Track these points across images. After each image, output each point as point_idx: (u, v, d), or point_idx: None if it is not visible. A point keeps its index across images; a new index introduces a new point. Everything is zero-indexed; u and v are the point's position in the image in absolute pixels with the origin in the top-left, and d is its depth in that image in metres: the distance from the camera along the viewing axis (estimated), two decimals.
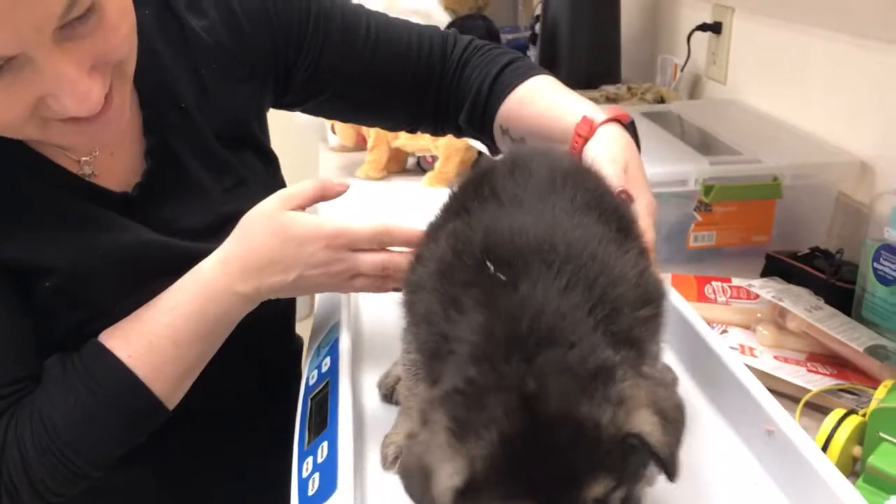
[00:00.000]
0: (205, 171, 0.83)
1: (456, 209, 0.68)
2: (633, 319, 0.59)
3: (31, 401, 0.72)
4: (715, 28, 1.60)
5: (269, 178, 0.92)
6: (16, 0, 0.57)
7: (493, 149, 1.00)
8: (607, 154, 0.77)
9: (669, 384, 0.60)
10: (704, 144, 1.27)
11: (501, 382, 0.52)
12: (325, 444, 0.68)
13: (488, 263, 0.58)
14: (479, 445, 0.50)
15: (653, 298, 0.64)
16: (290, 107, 0.99)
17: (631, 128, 0.83)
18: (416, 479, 0.52)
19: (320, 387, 0.78)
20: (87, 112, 0.66)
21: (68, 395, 0.72)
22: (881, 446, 0.74)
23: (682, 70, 1.73)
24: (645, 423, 0.52)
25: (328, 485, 0.64)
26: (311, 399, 0.78)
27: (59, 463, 0.71)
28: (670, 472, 0.54)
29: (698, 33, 1.64)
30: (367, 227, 0.76)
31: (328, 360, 0.81)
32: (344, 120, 1.19)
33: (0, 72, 0.60)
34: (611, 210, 0.67)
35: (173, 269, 0.76)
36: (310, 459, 0.69)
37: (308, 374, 0.83)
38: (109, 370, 0.72)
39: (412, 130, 1.06)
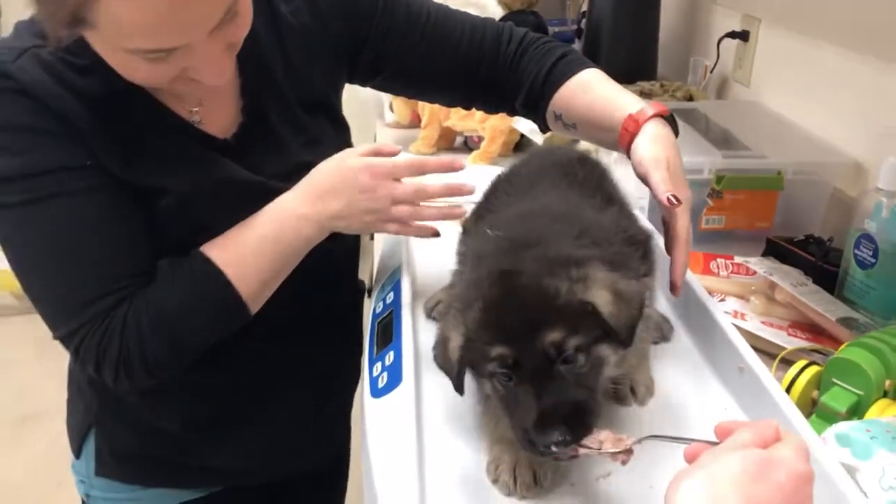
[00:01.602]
0: (286, 129, 1.00)
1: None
2: (613, 251, 0.80)
3: (146, 291, 0.89)
4: (743, 36, 1.74)
5: (338, 139, 1.08)
6: (195, 13, 0.76)
7: (544, 128, 1.15)
8: (651, 154, 0.92)
9: (636, 281, 0.77)
10: (723, 140, 1.43)
11: (491, 271, 0.74)
12: (392, 352, 0.88)
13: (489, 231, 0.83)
14: (472, 311, 0.72)
15: (637, 241, 0.88)
16: (359, 82, 1.15)
17: (671, 120, 0.98)
18: (441, 346, 0.75)
19: (385, 314, 0.98)
20: (219, 82, 0.85)
21: (176, 289, 0.90)
22: (832, 389, 0.92)
23: (711, 72, 1.87)
24: (599, 297, 0.71)
25: (394, 380, 0.83)
26: (378, 323, 0.97)
27: (166, 342, 0.89)
28: (621, 339, 0.72)
29: (727, 39, 1.77)
30: (405, 159, 0.97)
31: (391, 294, 1.01)
32: (405, 95, 1.33)
33: (164, 56, 0.79)
34: (596, 185, 0.92)
35: (256, 200, 0.94)
36: (378, 364, 0.88)
37: (374, 305, 1.03)
38: (206, 271, 0.90)
39: (467, 107, 1.21)
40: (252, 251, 0.92)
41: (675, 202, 0.88)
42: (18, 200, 0.83)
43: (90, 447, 1.07)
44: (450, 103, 1.23)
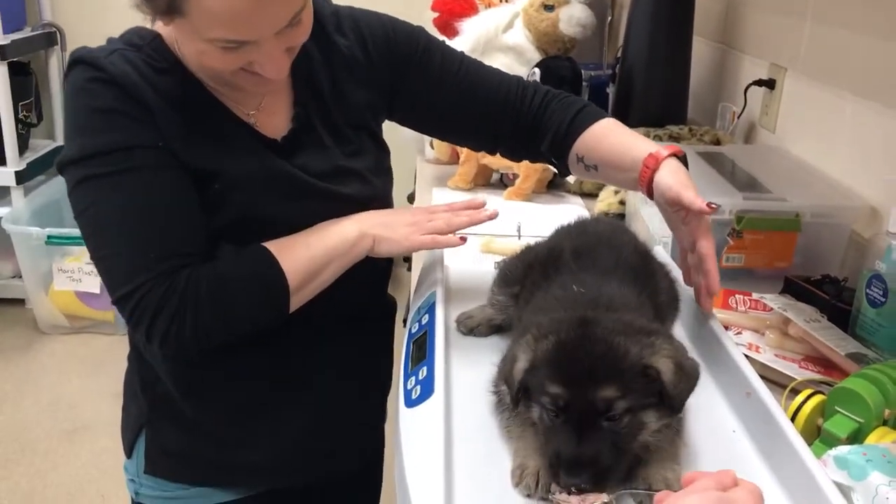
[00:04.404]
0: (330, 138, 1.13)
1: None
2: (663, 296, 0.96)
3: (209, 264, 1.01)
4: (769, 84, 1.80)
5: (379, 156, 1.21)
6: (272, 13, 0.92)
7: (564, 172, 1.27)
8: (679, 180, 1.05)
9: (694, 360, 0.86)
10: (747, 183, 1.50)
11: (574, 316, 0.83)
12: (425, 367, 0.96)
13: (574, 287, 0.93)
14: (545, 343, 0.81)
15: (676, 295, 1.05)
16: (396, 120, 1.28)
17: (683, 159, 1.11)
18: (508, 363, 0.84)
19: (420, 334, 1.06)
20: (277, 78, 1.00)
21: (237, 267, 1.02)
22: (834, 417, 0.98)
23: (738, 117, 1.94)
24: (663, 364, 0.79)
25: (426, 392, 0.92)
26: (413, 342, 1.06)
27: (219, 312, 1.00)
28: (674, 405, 0.80)
29: (755, 87, 1.84)
30: (443, 204, 1.17)
31: (426, 316, 1.10)
32: (435, 136, 1.47)
33: (237, 47, 0.94)
34: (645, 258, 1.07)
35: (298, 193, 1.08)
36: (412, 378, 0.97)
37: (410, 326, 1.12)
38: (262, 255, 1.03)
39: (491, 152, 1.33)
40: (303, 245, 1.05)
41: (714, 206, 1.01)
42: (103, 172, 0.98)
43: (140, 447, 1.17)
44: (476, 147, 1.37)
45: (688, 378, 0.81)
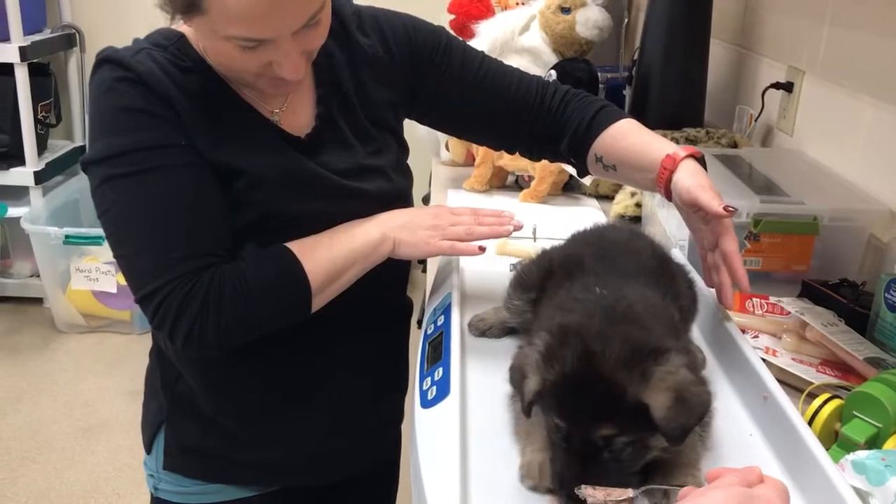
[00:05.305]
0: (353, 136, 1.13)
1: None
2: (685, 300, 0.96)
3: (233, 264, 1.01)
4: (787, 87, 1.79)
5: (401, 155, 1.22)
6: (288, 12, 0.93)
7: (583, 172, 1.27)
8: (697, 182, 1.04)
9: (704, 382, 0.82)
10: (764, 186, 1.49)
11: (582, 334, 0.81)
12: (441, 368, 0.97)
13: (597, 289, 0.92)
14: (551, 371, 0.80)
15: (695, 296, 1.05)
16: (416, 118, 1.28)
17: (701, 160, 1.11)
18: (517, 375, 0.84)
19: (436, 335, 1.06)
20: (294, 78, 1.00)
21: (260, 268, 1.02)
22: (852, 421, 0.98)
23: (756, 120, 1.93)
24: (656, 400, 0.77)
25: (442, 393, 0.92)
26: (429, 343, 1.06)
27: (242, 313, 1.00)
28: (668, 439, 0.78)
29: (772, 90, 1.83)
30: (468, 207, 1.15)
31: (442, 317, 1.10)
32: (453, 135, 1.46)
33: (255, 46, 0.94)
34: (664, 261, 1.05)
35: (322, 191, 1.08)
36: (428, 379, 0.97)
37: (426, 327, 1.12)
38: (285, 256, 1.03)
39: (510, 151, 1.33)
40: (326, 245, 1.06)
41: (732, 210, 1.01)
42: (128, 171, 0.98)
43: (160, 443, 1.18)
44: (495, 146, 1.36)
45: (688, 410, 0.78)
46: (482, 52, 1.26)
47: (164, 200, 0.99)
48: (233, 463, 1.17)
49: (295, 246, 1.04)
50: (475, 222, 1.12)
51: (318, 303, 1.05)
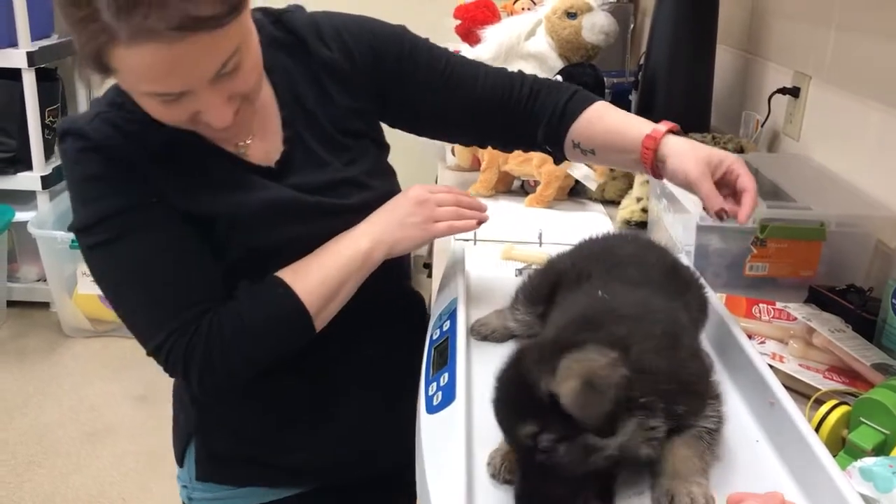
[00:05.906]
0: (325, 151, 1.13)
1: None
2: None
3: (228, 305, 1.02)
4: (793, 92, 1.79)
5: (378, 156, 1.21)
6: (192, 65, 0.88)
7: (560, 159, 1.26)
8: (685, 169, 1.05)
9: (616, 364, 0.78)
10: (771, 191, 1.49)
11: (514, 350, 0.86)
12: (446, 374, 0.96)
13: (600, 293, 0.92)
14: (497, 383, 0.83)
15: (705, 304, 1.07)
16: (388, 122, 1.26)
17: (682, 132, 1.11)
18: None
19: (441, 340, 1.06)
20: (221, 126, 0.97)
21: (255, 303, 1.03)
22: (860, 428, 0.97)
23: (762, 125, 1.92)
24: (563, 388, 0.75)
25: (448, 398, 0.92)
26: (435, 348, 1.06)
27: (246, 350, 1.01)
28: (584, 425, 0.75)
29: (779, 95, 1.83)
30: (449, 190, 1.17)
31: (448, 322, 1.10)
32: (425, 136, 1.39)
33: (174, 99, 0.92)
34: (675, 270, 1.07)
35: (302, 215, 1.07)
36: (434, 384, 0.97)
37: (431, 332, 1.12)
38: (277, 286, 1.04)
39: (482, 145, 1.34)
40: (316, 265, 1.05)
41: (726, 216, 1.03)
42: (104, 239, 1.00)
43: (191, 454, 1.20)
44: (466, 142, 1.37)
45: (599, 394, 0.74)
46: (446, 50, 1.24)
47: (144, 260, 1.00)
48: (265, 466, 1.18)
49: (286, 273, 1.05)
50: (454, 201, 1.14)
51: (320, 322, 1.06)
